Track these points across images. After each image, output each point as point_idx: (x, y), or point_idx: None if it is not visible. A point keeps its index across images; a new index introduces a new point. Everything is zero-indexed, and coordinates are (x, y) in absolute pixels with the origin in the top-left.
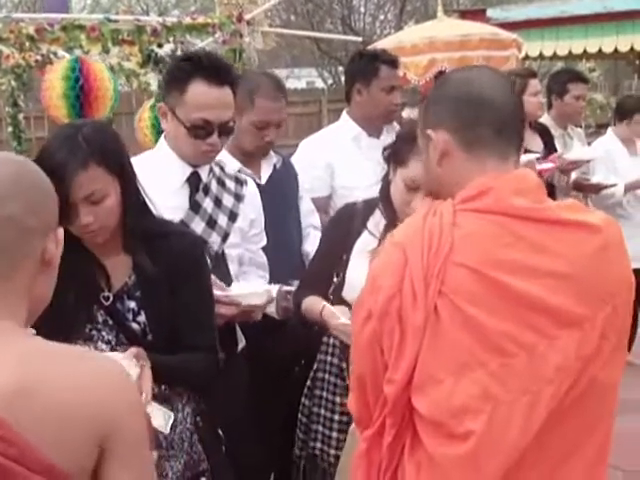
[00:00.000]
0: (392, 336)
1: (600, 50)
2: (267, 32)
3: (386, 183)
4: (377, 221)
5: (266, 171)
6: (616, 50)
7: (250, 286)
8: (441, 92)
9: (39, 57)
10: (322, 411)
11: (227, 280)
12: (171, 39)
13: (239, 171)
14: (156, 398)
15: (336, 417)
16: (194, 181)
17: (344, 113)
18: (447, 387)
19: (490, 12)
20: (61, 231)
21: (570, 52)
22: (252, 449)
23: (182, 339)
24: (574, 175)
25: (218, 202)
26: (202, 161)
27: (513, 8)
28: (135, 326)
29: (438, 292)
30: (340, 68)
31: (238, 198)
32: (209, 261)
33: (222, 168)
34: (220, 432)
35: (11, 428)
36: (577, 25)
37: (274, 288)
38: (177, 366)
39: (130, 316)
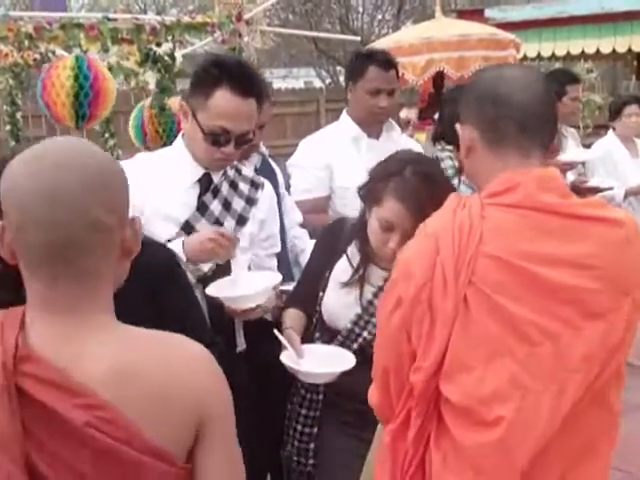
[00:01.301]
0: (422, 324)
1: (598, 51)
2: (266, 31)
3: (361, 220)
4: (354, 250)
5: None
6: (614, 51)
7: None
8: (471, 89)
9: (37, 56)
10: (303, 411)
11: None
12: (170, 38)
13: None
14: None
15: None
16: (205, 182)
17: (344, 112)
18: (477, 374)
19: (488, 12)
20: (138, 219)
21: (568, 53)
22: (249, 450)
23: None
24: (572, 177)
25: (227, 205)
26: (214, 167)
27: (511, 8)
28: None
29: (468, 282)
30: (338, 68)
31: (250, 202)
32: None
33: (239, 171)
34: None
35: (117, 411)
36: (575, 26)
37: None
38: None
39: None
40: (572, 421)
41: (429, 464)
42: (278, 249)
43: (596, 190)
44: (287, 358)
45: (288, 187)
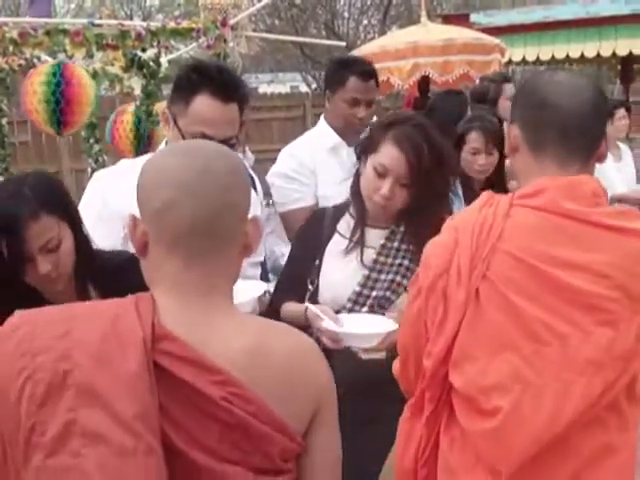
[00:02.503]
0: (436, 312)
1: (582, 55)
2: (251, 37)
3: (356, 177)
4: (347, 222)
5: None
6: (598, 55)
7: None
8: (523, 89)
9: (22, 61)
10: None
11: None
12: (155, 44)
13: None
14: None
15: None
16: None
17: (322, 119)
18: (481, 365)
19: (473, 17)
20: (257, 219)
21: (553, 57)
22: None
23: None
24: None
25: None
26: None
27: (496, 13)
28: None
29: (482, 276)
30: (324, 72)
31: None
32: None
33: None
34: None
35: (248, 388)
36: (560, 30)
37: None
38: None
39: None
40: (584, 429)
41: (435, 448)
42: (262, 258)
43: None
44: (328, 324)
45: (267, 196)
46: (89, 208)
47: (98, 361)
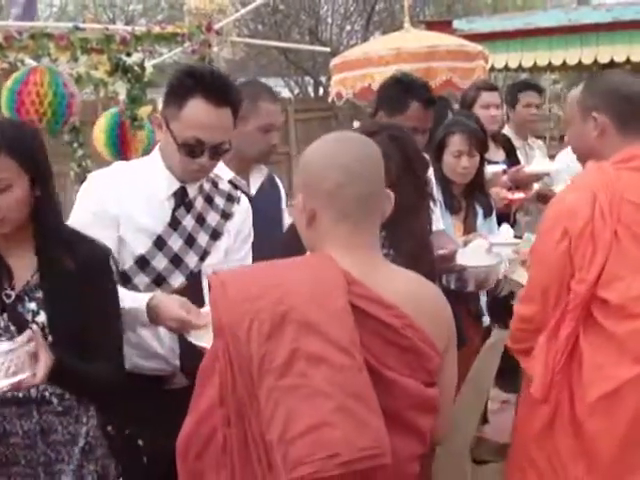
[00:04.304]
0: (586, 249)
1: (564, 62)
2: (236, 42)
3: None
4: None
5: (256, 182)
6: (580, 62)
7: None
8: (606, 86)
9: (6, 65)
10: None
11: (200, 302)
12: (140, 48)
13: (230, 181)
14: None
15: None
16: (180, 196)
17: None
18: (627, 282)
19: (456, 23)
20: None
21: (535, 64)
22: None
23: (86, 346)
24: (537, 186)
25: (201, 220)
26: (189, 179)
27: (479, 20)
28: (34, 327)
29: (618, 219)
30: (307, 78)
31: (225, 216)
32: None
33: (216, 184)
34: (140, 442)
35: (413, 319)
36: (542, 37)
37: None
38: (81, 371)
39: (30, 317)
40: None
41: (578, 354)
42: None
43: (536, 176)
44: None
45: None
46: (84, 209)
47: (311, 301)
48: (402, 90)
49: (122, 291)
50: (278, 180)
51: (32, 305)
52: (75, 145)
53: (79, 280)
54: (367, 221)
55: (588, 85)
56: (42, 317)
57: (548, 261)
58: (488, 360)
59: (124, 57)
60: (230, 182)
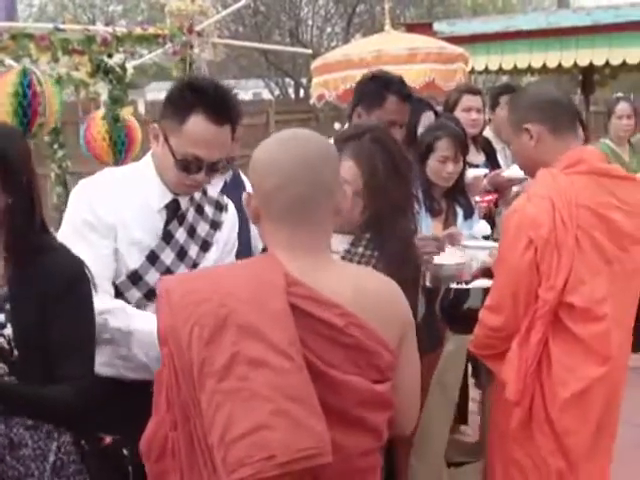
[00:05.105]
0: (552, 257)
1: (544, 65)
2: (217, 43)
3: None
4: None
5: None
6: (560, 65)
7: None
8: (527, 98)
9: None
10: None
11: None
12: (121, 49)
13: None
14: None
15: None
16: (172, 208)
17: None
18: (590, 286)
19: (436, 26)
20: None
21: (515, 66)
22: None
23: (52, 364)
24: (516, 189)
25: (192, 231)
26: (182, 192)
27: (459, 22)
28: (0, 340)
29: (577, 225)
30: (287, 80)
31: (215, 226)
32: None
33: (204, 192)
34: (125, 452)
35: (359, 317)
36: (522, 40)
37: None
38: (32, 398)
39: None
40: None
41: (547, 357)
42: None
43: (513, 181)
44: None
45: None
46: (79, 217)
47: (251, 304)
48: (379, 85)
49: (131, 310)
50: (245, 178)
51: (1, 317)
52: (55, 146)
53: (48, 294)
54: (308, 223)
55: (513, 102)
56: (8, 330)
57: (515, 271)
58: (453, 367)
59: (105, 58)
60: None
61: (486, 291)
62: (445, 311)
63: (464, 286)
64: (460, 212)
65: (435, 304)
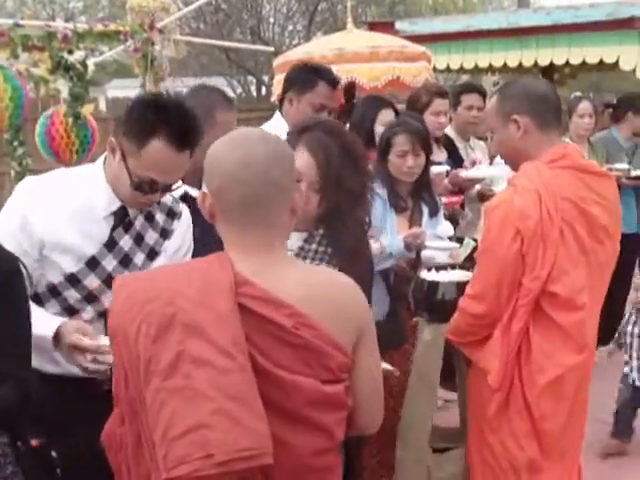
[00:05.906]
0: (538, 249)
1: (505, 64)
2: (178, 40)
3: None
4: None
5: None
6: (520, 64)
7: None
8: (517, 90)
9: None
10: None
11: None
12: (82, 46)
13: (183, 197)
14: None
15: None
16: (120, 215)
17: (278, 116)
18: (572, 276)
19: (398, 25)
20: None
21: (476, 65)
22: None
23: None
24: (478, 186)
25: (139, 239)
26: (134, 207)
27: (421, 21)
28: None
29: (562, 218)
30: (249, 77)
31: (164, 234)
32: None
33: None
34: (54, 454)
35: (310, 318)
36: (482, 39)
37: None
38: None
39: None
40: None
41: (527, 344)
42: None
43: (472, 181)
44: None
45: None
46: (13, 215)
47: (198, 304)
48: (310, 71)
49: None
50: None
51: None
52: (15, 144)
53: None
54: (260, 222)
55: (503, 92)
56: None
57: (502, 261)
58: (431, 356)
59: (66, 55)
60: (182, 197)
61: (459, 284)
62: (419, 302)
63: (436, 279)
64: (425, 209)
65: (401, 301)
